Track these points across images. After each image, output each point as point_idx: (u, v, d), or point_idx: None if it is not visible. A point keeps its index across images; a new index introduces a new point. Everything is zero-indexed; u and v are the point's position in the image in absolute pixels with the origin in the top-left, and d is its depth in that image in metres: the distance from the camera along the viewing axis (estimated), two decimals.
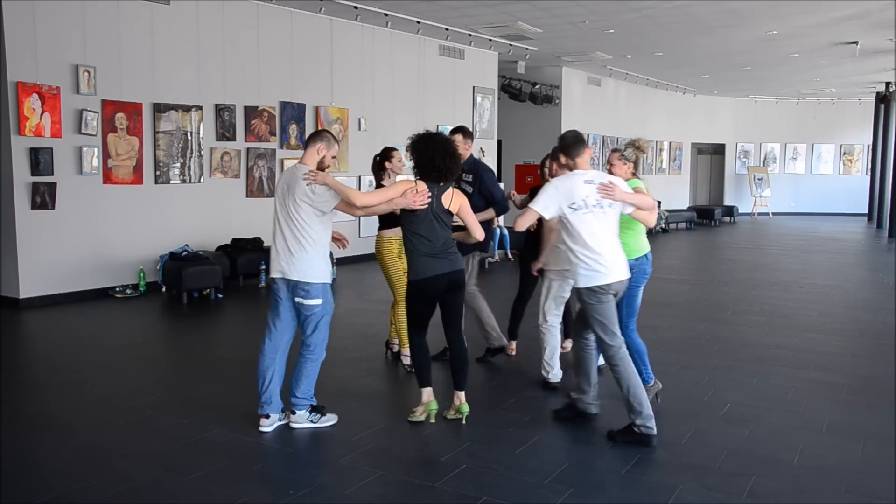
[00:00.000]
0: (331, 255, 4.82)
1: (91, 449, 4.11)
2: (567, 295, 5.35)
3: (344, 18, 10.95)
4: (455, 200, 4.40)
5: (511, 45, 13.37)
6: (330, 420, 4.43)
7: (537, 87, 15.75)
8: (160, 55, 8.91)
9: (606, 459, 4.01)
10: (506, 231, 12.34)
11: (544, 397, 5.03)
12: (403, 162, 5.63)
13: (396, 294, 5.55)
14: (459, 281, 4.44)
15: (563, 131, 4.52)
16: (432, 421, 4.46)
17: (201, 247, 9.27)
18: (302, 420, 4.37)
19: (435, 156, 4.32)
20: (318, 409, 4.43)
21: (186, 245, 8.96)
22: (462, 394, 4.47)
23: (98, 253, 8.49)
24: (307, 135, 10.52)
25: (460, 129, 5.71)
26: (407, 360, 5.55)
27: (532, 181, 13.98)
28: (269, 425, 4.35)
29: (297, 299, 4.32)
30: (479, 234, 4.53)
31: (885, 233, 17.08)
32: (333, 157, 4.47)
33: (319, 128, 10.80)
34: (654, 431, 4.12)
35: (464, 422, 4.47)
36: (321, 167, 4.40)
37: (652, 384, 4.80)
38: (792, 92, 21.47)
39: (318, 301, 4.31)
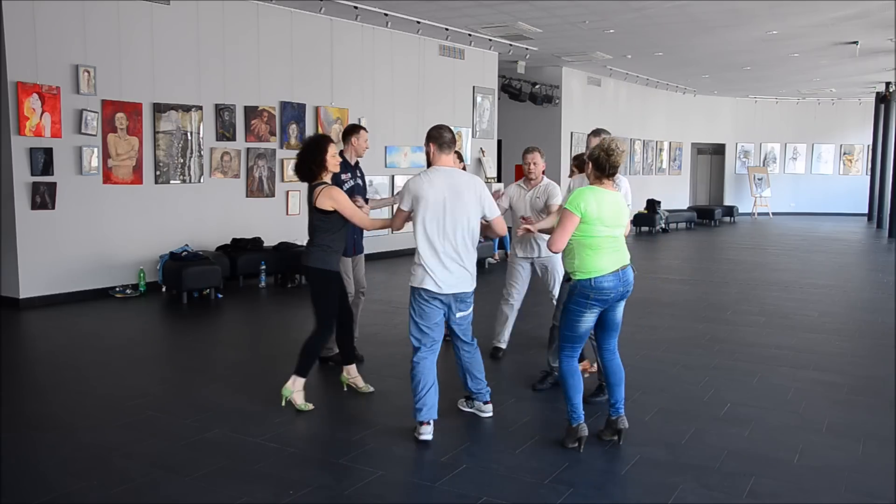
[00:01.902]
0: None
1: (91, 449, 4.11)
2: None
3: (344, 18, 10.95)
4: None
5: (511, 45, 13.36)
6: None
7: (537, 87, 15.74)
8: (160, 55, 8.91)
9: (606, 459, 4.01)
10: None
11: (544, 398, 5.03)
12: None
13: None
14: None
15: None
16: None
17: (201, 247, 9.28)
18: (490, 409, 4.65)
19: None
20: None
21: (186, 245, 8.96)
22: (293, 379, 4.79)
23: (98, 253, 8.49)
24: (306, 135, 10.63)
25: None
26: None
27: None
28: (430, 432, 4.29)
29: (459, 314, 4.39)
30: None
31: (885, 233, 17.08)
32: None
33: (320, 128, 10.80)
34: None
35: (283, 403, 4.72)
36: None
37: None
38: (792, 92, 21.47)
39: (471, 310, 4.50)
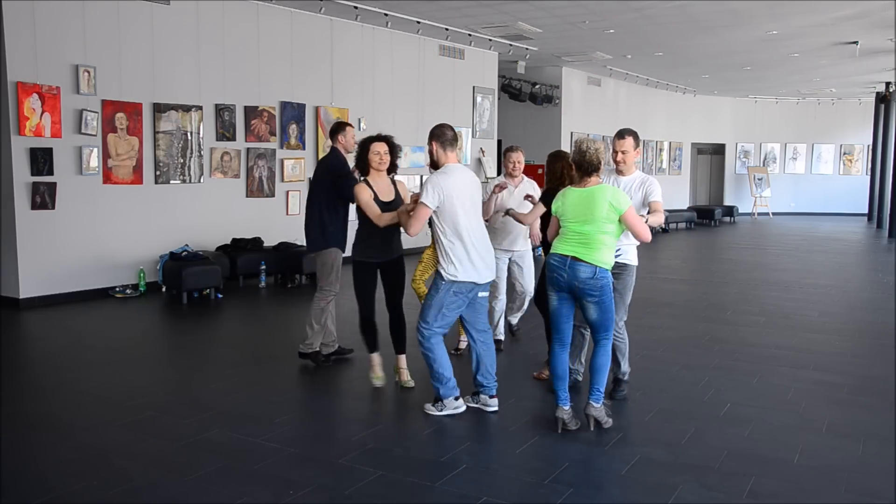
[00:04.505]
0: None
1: (91, 449, 4.11)
2: None
3: (344, 18, 10.95)
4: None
5: (511, 45, 13.36)
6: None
7: (537, 87, 15.74)
8: (160, 55, 8.90)
9: (606, 459, 4.01)
10: None
11: (544, 398, 5.03)
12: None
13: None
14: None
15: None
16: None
17: (201, 247, 9.27)
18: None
19: None
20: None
21: (186, 245, 8.96)
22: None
23: (98, 253, 8.49)
24: (306, 135, 10.64)
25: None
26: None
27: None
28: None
29: (482, 294, 4.74)
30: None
31: (885, 233, 17.07)
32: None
33: (320, 128, 10.80)
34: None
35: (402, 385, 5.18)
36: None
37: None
38: (792, 92, 21.47)
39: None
